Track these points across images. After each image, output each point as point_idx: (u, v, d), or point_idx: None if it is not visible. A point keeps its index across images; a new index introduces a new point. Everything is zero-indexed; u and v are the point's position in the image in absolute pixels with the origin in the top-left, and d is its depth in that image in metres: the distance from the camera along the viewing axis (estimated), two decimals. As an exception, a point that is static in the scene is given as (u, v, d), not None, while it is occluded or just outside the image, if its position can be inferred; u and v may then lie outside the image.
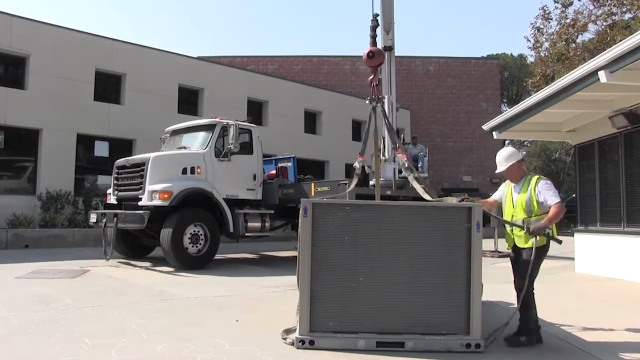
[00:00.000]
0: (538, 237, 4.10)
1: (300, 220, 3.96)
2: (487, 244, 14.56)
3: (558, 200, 4.17)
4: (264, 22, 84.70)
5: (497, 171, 4.70)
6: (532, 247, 4.13)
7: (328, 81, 25.67)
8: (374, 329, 3.85)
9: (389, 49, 10.00)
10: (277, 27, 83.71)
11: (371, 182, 13.68)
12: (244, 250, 12.49)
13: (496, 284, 8.02)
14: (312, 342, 3.79)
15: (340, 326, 3.86)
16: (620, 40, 7.00)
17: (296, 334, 3.90)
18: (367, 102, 5.80)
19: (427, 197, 5.00)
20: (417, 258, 3.96)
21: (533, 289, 4.25)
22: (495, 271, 9.77)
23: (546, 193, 4.23)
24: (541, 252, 4.19)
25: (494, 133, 10.53)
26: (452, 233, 3.98)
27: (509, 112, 9.97)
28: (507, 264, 11.91)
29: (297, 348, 3.81)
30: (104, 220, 9.26)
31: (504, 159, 4.60)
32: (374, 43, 6.37)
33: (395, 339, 3.78)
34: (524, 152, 5.41)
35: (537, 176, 4.48)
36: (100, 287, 6.85)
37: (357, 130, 22.30)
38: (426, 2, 65.54)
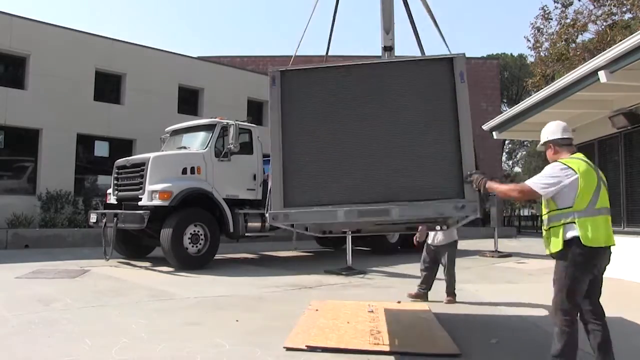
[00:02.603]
0: (551, 241, 3.24)
1: (269, 91, 3.54)
2: (487, 244, 14.59)
3: (529, 183, 3.33)
4: (264, 22, 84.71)
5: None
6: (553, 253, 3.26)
7: (328, 81, 25.62)
8: (356, 199, 3.40)
9: (389, 49, 9.98)
10: (277, 27, 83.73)
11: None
12: (244, 250, 12.49)
13: (496, 284, 8.05)
14: (286, 216, 3.39)
15: (318, 199, 3.41)
16: (620, 40, 7.00)
17: (270, 211, 3.45)
18: None
19: None
20: (399, 120, 3.48)
21: (567, 312, 3.17)
22: (495, 272, 9.79)
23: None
24: (565, 259, 3.17)
25: (493, 133, 10.53)
26: (435, 88, 3.49)
27: (509, 112, 9.97)
28: (507, 264, 11.93)
29: (272, 222, 3.40)
30: (104, 220, 9.26)
31: (542, 135, 3.58)
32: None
33: (380, 207, 3.35)
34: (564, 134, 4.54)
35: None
36: (100, 287, 6.84)
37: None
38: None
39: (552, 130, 3.48)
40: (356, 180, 3.43)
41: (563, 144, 3.42)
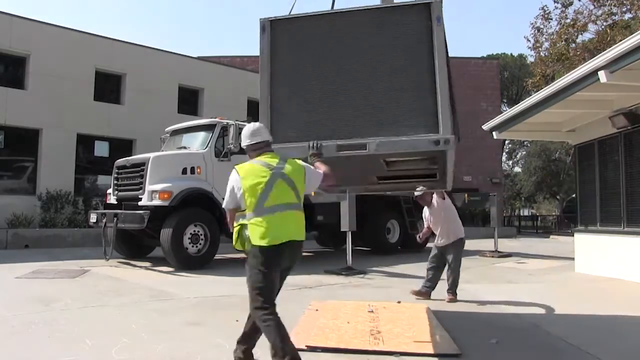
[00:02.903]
0: (235, 239, 3.36)
1: (259, 39, 3.86)
2: (487, 244, 14.58)
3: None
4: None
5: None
6: None
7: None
8: (335, 135, 3.72)
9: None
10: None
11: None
12: (244, 250, 12.48)
13: (496, 283, 8.05)
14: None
15: (301, 136, 3.75)
16: (620, 40, 7.00)
17: None
18: None
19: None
20: (378, 63, 3.73)
21: (261, 308, 3.19)
22: (495, 272, 9.79)
23: None
24: (249, 257, 3.32)
25: (494, 133, 10.53)
26: (413, 32, 3.72)
27: (509, 112, 9.97)
28: (507, 264, 11.95)
29: None
30: (104, 220, 9.26)
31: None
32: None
33: (357, 142, 3.66)
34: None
35: None
36: (100, 287, 6.84)
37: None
38: (426, 2, 65.37)
39: (243, 136, 3.56)
40: (337, 118, 3.74)
41: (252, 149, 3.50)
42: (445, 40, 3.76)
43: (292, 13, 4.08)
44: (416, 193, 6.33)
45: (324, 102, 3.78)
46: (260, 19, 3.88)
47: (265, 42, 3.86)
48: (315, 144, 3.66)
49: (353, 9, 3.90)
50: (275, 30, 3.90)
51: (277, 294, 3.33)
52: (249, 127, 3.52)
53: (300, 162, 3.44)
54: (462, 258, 6.36)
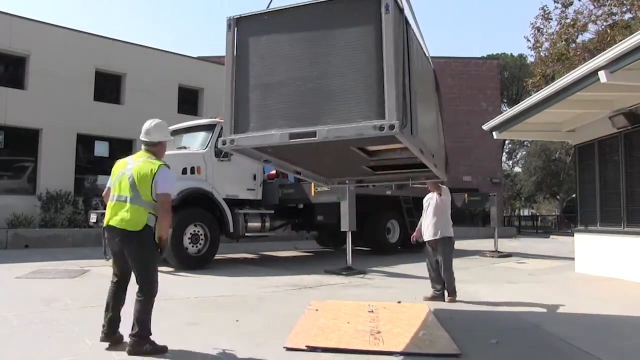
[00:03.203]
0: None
1: (225, 36, 4.16)
2: (487, 244, 14.59)
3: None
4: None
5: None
6: None
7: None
8: (289, 125, 3.97)
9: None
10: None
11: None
12: (244, 250, 12.50)
13: (496, 283, 8.05)
14: (232, 141, 4.03)
15: (259, 127, 4.05)
16: (620, 40, 7.00)
17: (220, 139, 4.12)
18: None
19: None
20: (332, 53, 3.96)
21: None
22: (495, 272, 9.79)
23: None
24: None
25: (494, 133, 10.52)
26: (365, 22, 3.91)
27: (509, 112, 9.96)
28: (507, 264, 11.94)
29: (221, 147, 4.02)
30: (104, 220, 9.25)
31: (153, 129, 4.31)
32: None
33: (307, 130, 3.90)
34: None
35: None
36: (100, 287, 6.80)
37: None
38: (426, 2, 65.59)
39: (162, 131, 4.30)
40: (292, 108, 4.02)
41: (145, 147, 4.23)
42: (405, 29, 3.99)
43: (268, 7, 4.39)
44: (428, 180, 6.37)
45: (280, 92, 4.05)
46: (227, 17, 4.24)
47: (230, 39, 4.19)
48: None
49: (308, 3, 4.18)
50: (240, 25, 4.22)
51: (122, 271, 4.04)
52: (145, 124, 4.25)
53: (154, 166, 3.99)
54: (452, 257, 6.33)
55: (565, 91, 7.53)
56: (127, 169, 4.04)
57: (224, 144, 4.01)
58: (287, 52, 4.06)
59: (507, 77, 39.32)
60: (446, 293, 6.25)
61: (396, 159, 4.98)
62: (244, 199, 10.05)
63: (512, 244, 17.42)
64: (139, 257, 3.85)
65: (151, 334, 3.77)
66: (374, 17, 3.83)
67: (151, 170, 3.92)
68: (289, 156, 5.25)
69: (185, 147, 10.07)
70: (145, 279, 3.82)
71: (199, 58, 20.21)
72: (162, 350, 3.75)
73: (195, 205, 9.19)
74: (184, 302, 5.97)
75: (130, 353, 3.65)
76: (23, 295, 5.98)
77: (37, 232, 12.37)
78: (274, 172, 11.18)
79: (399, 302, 5.86)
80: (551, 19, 21.11)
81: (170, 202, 4.08)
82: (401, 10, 3.98)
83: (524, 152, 43.45)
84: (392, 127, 3.63)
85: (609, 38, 17.84)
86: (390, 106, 3.70)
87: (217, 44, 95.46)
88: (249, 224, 9.85)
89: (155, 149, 4.22)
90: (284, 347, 3.97)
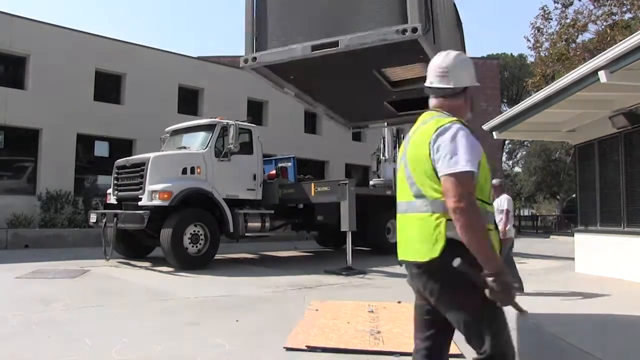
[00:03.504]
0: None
1: None
2: (487, 244, 14.56)
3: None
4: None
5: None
6: None
7: (328, 81, 25.62)
8: (310, 38, 3.93)
9: None
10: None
11: (371, 182, 13.74)
12: (244, 250, 12.49)
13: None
14: (254, 59, 3.93)
15: (280, 42, 4.00)
16: (620, 40, 7.00)
17: (242, 58, 4.05)
18: None
19: None
20: None
21: None
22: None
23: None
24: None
25: (494, 133, 10.51)
26: None
27: (509, 112, 9.96)
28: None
29: (242, 66, 3.89)
30: (104, 220, 9.26)
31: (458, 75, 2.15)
32: None
33: (329, 40, 3.83)
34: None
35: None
36: (100, 287, 6.85)
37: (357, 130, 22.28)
38: (426, 2, 65.48)
39: (468, 72, 2.15)
40: (313, 19, 3.97)
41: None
42: None
43: None
44: (494, 182, 6.38)
45: (299, 7, 4.04)
46: None
47: None
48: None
49: None
50: None
51: None
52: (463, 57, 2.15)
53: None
54: None
55: (565, 91, 7.52)
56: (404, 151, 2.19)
57: (245, 62, 3.91)
58: None
59: (507, 77, 39.34)
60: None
61: (419, 92, 5.00)
62: (244, 199, 10.05)
63: (512, 244, 17.39)
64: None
65: None
66: None
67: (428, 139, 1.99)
68: (312, 86, 5.11)
69: (185, 147, 10.07)
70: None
71: (199, 58, 20.21)
72: None
73: (195, 205, 9.19)
74: (184, 302, 5.97)
75: None
76: (23, 295, 5.97)
77: (37, 232, 12.38)
78: (273, 172, 11.20)
79: (399, 302, 5.86)
80: (551, 19, 21.15)
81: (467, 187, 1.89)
82: None
83: (524, 152, 43.46)
84: (414, 29, 3.60)
85: (609, 38, 17.85)
86: (413, 10, 3.67)
87: (217, 44, 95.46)
88: (249, 224, 9.85)
89: (455, 102, 2.13)
90: (284, 347, 3.97)
